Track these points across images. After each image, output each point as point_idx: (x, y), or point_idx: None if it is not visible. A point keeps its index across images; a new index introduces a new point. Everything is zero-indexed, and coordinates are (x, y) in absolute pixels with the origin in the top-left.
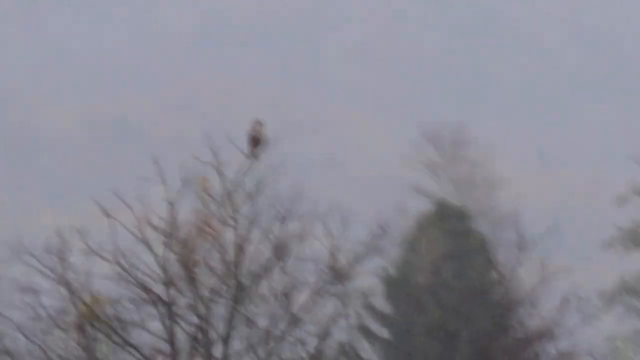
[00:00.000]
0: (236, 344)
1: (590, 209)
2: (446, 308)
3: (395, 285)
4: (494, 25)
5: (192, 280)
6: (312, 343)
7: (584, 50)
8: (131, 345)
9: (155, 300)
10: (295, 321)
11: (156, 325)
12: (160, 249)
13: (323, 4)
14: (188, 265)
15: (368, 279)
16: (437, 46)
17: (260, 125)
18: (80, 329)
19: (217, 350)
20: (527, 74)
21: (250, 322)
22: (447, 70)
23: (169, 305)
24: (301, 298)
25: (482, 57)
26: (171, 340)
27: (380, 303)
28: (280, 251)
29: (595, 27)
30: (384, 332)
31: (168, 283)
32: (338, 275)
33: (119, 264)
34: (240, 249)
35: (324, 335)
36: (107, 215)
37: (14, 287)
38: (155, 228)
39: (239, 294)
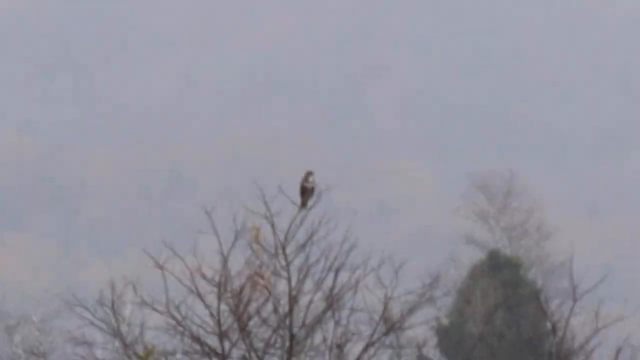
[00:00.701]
0: None
1: None
2: (499, 358)
3: (448, 336)
4: (538, 73)
5: (245, 332)
6: None
7: (627, 96)
8: None
9: (209, 353)
10: None
11: None
12: (213, 301)
13: (369, 55)
14: (241, 317)
15: (421, 329)
16: (483, 94)
17: (312, 175)
18: None
19: None
20: (573, 121)
21: None
22: (494, 118)
23: (222, 357)
24: (355, 350)
25: (528, 105)
26: None
27: (434, 354)
28: (333, 302)
29: (634, 74)
30: None
31: (221, 335)
32: (391, 326)
33: (171, 315)
34: (293, 300)
35: None
36: (159, 266)
37: (67, 340)
38: (207, 279)
39: (293, 346)
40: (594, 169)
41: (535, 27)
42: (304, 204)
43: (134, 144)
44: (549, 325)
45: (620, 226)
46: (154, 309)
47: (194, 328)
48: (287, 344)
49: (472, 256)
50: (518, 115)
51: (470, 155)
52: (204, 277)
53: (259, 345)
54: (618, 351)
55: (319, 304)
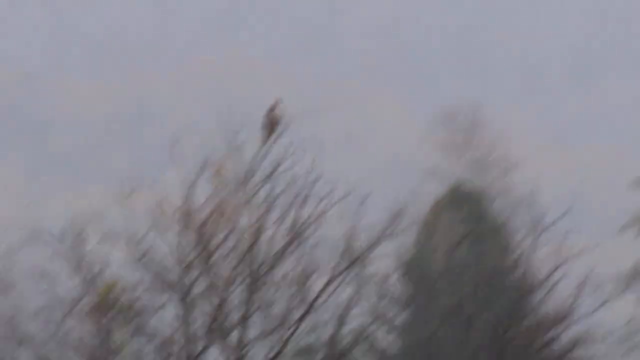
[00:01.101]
0: (252, 331)
1: (608, 189)
2: (462, 292)
3: (411, 270)
4: (517, 5)
5: (208, 266)
6: (327, 329)
7: (604, 20)
8: (147, 332)
9: (171, 287)
10: (311, 307)
11: (172, 312)
12: (176, 235)
13: None
14: (204, 251)
15: (384, 263)
16: (452, 23)
17: (277, 105)
18: (96, 315)
19: (233, 337)
20: (543, 48)
21: (266, 308)
22: (462, 48)
23: (184, 291)
24: (317, 283)
25: (497, 33)
26: (187, 326)
27: (397, 287)
28: (296, 235)
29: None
30: (400, 317)
31: (184, 269)
32: (354, 259)
33: (135, 249)
34: (256, 233)
35: (339, 321)
36: (123, 200)
37: (31, 274)
38: (171, 213)
39: (255, 280)
40: (563, 97)
41: None
42: (269, 135)
43: (104, 72)
44: (512, 258)
45: (589, 156)
46: (117, 243)
47: (157, 262)
48: (250, 278)
49: (436, 190)
50: (490, 42)
51: (440, 83)
52: (167, 210)
53: (221, 279)
54: (581, 284)
55: (282, 239)
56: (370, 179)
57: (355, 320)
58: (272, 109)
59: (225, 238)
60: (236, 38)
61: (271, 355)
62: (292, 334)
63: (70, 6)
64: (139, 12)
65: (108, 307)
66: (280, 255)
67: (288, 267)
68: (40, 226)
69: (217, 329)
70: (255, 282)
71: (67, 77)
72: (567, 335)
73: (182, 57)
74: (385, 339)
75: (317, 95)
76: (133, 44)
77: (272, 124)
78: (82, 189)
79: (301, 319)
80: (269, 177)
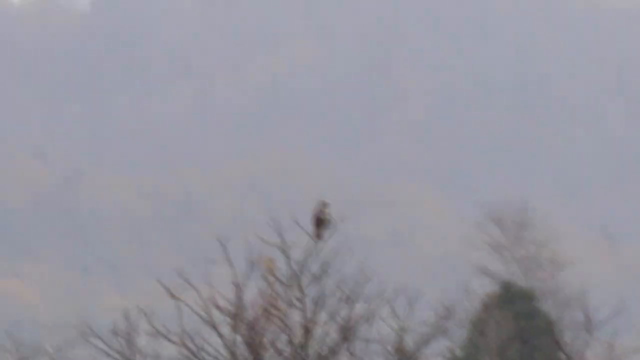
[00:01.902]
0: None
1: None
2: None
3: None
4: (548, 99)
5: None
6: None
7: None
8: None
9: None
10: None
11: None
12: (226, 331)
13: (384, 79)
14: (255, 347)
15: None
16: (497, 121)
17: (325, 206)
18: None
19: None
20: (586, 149)
21: None
22: (508, 147)
23: None
24: None
25: (543, 133)
26: None
27: None
28: (346, 333)
29: None
30: None
31: None
32: (404, 357)
33: (186, 346)
34: (306, 330)
35: None
36: (173, 296)
37: None
38: (221, 309)
39: None
40: (609, 195)
41: (553, 52)
42: (319, 236)
43: (148, 169)
44: (563, 357)
45: (636, 255)
46: (168, 340)
47: (209, 358)
48: None
49: (486, 288)
50: (532, 140)
51: (484, 181)
52: (218, 307)
53: None
54: None
55: (333, 335)
56: (419, 276)
57: None
58: (319, 209)
59: (277, 335)
60: (276, 138)
61: None
62: None
63: (113, 104)
64: (181, 111)
65: None
66: (332, 352)
67: None
68: (91, 323)
69: None
70: None
71: (112, 175)
72: None
73: (223, 155)
74: None
75: (360, 193)
76: (176, 142)
77: (319, 224)
78: (132, 285)
79: None
80: (318, 275)
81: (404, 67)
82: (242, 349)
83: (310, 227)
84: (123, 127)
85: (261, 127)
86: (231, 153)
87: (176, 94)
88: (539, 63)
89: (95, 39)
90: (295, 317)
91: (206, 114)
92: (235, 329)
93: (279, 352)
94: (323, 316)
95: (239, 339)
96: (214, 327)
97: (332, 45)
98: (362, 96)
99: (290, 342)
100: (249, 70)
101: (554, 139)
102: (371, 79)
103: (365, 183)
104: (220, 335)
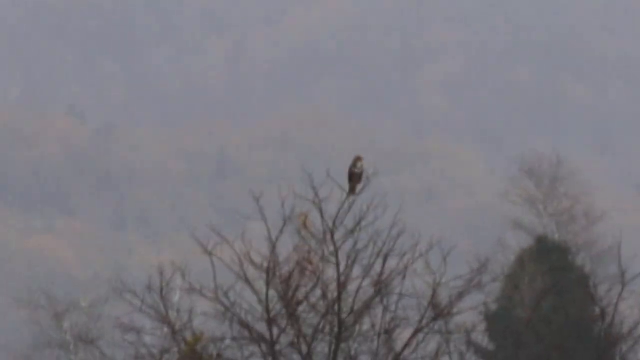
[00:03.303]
0: None
1: None
2: (548, 344)
3: (497, 321)
4: (587, 56)
5: (294, 318)
6: None
7: None
8: None
9: (258, 339)
10: (397, 358)
11: None
12: (261, 287)
13: (417, 35)
14: (290, 303)
15: (470, 315)
16: (533, 75)
17: (359, 160)
18: None
19: None
20: (621, 103)
21: None
22: (544, 99)
23: (271, 343)
24: (403, 335)
25: (579, 85)
26: None
27: (482, 339)
28: (380, 287)
29: None
30: None
31: (270, 321)
32: (440, 311)
33: (220, 301)
34: (341, 286)
35: None
36: (207, 252)
37: (116, 326)
38: (255, 265)
39: (341, 332)
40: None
41: (587, 5)
42: (352, 190)
43: (182, 125)
44: (597, 310)
45: None
46: (203, 295)
47: (243, 314)
48: (336, 329)
49: (520, 241)
50: (568, 96)
51: (519, 136)
52: (252, 263)
53: (308, 331)
54: None
55: (367, 290)
56: (453, 231)
57: None
58: (354, 164)
59: (311, 290)
60: (311, 93)
61: None
62: None
63: (149, 59)
64: (215, 68)
65: None
66: (366, 307)
67: (374, 319)
68: (125, 278)
69: None
70: (341, 335)
71: (145, 130)
72: None
73: (257, 112)
74: None
75: (396, 149)
76: (209, 98)
77: (353, 178)
78: (165, 241)
79: None
80: (352, 230)
81: (439, 21)
82: (276, 304)
83: (344, 182)
84: (157, 83)
85: (296, 83)
86: (266, 108)
87: (210, 49)
88: (575, 18)
89: None
90: (329, 272)
91: (240, 69)
92: (269, 284)
93: (313, 307)
94: (357, 271)
95: (273, 294)
96: (248, 282)
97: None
98: (397, 51)
99: (324, 296)
100: (283, 25)
101: (589, 94)
102: (406, 34)
103: (400, 138)
104: (255, 291)
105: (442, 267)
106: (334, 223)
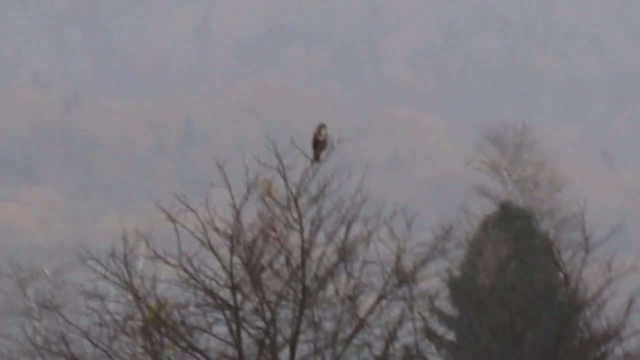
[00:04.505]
0: (302, 348)
1: None
2: (511, 310)
3: (460, 288)
4: (553, 26)
5: (257, 284)
6: (378, 346)
7: None
8: (197, 350)
9: (221, 305)
10: (361, 325)
11: (222, 330)
12: (225, 254)
13: (383, 5)
14: (254, 270)
15: (433, 281)
16: (498, 45)
17: (324, 127)
18: (147, 334)
19: (284, 354)
20: (588, 74)
21: (316, 326)
22: (509, 69)
23: (235, 309)
24: (367, 301)
25: (542, 57)
26: (237, 344)
27: (446, 306)
28: (345, 254)
29: None
30: (449, 335)
31: (234, 287)
32: (403, 278)
33: (184, 268)
34: (305, 252)
35: (390, 338)
36: (172, 219)
37: (80, 293)
38: (219, 232)
39: (305, 298)
40: (609, 119)
41: None
42: (316, 157)
43: (147, 95)
44: (561, 276)
45: (635, 175)
46: (167, 262)
47: (207, 281)
48: (300, 296)
49: (484, 208)
50: (533, 65)
51: (483, 106)
52: (216, 230)
53: (272, 297)
54: (630, 301)
55: (331, 256)
56: (418, 198)
57: (405, 338)
58: (318, 132)
59: (275, 257)
60: (276, 64)
61: None
62: (342, 351)
63: (113, 29)
64: (181, 39)
65: (158, 326)
66: (330, 273)
67: (338, 285)
68: (89, 246)
69: (267, 348)
70: (305, 301)
71: (111, 100)
72: (617, 353)
73: (223, 82)
74: (435, 356)
75: (361, 118)
76: (175, 69)
77: (317, 145)
78: (130, 209)
79: (351, 337)
80: (316, 197)
81: None
82: (240, 271)
83: (308, 149)
84: (123, 53)
85: (261, 53)
86: (231, 79)
87: (176, 19)
88: None
89: None
90: (293, 239)
91: (205, 39)
92: (233, 251)
93: (277, 273)
94: (321, 237)
95: (236, 260)
96: (212, 249)
97: None
98: (362, 22)
99: (288, 263)
100: None
101: (556, 63)
102: (374, 5)
103: (366, 108)
104: (219, 258)
105: (406, 234)
106: (297, 190)
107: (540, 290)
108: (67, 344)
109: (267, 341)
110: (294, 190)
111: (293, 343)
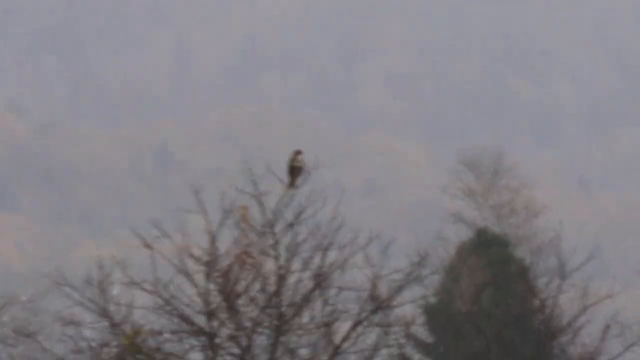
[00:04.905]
0: None
1: (631, 233)
2: (487, 336)
3: (436, 314)
4: (529, 53)
5: (233, 311)
6: None
7: (616, 74)
8: None
9: (197, 332)
10: (337, 351)
11: (198, 357)
12: (201, 280)
13: (359, 31)
14: (229, 296)
15: (409, 308)
16: (474, 71)
17: (300, 154)
18: None
19: None
20: (564, 100)
21: (292, 353)
22: (485, 95)
23: (210, 336)
24: (343, 328)
25: (518, 84)
26: None
27: (422, 332)
28: (320, 280)
29: (627, 51)
30: None
31: (209, 314)
32: (379, 304)
33: (160, 295)
34: (281, 279)
35: None
36: (148, 246)
37: (56, 320)
38: (196, 259)
39: (281, 325)
40: (585, 145)
41: (529, 1)
42: (292, 183)
43: (123, 121)
44: (537, 302)
45: (611, 203)
46: (142, 289)
47: (182, 307)
48: (275, 322)
49: (460, 234)
50: (509, 91)
51: (460, 132)
52: (192, 256)
53: (247, 324)
54: (606, 328)
55: (307, 283)
56: (394, 225)
57: None
58: (293, 158)
59: (251, 283)
60: (252, 90)
61: None
62: None
63: (89, 56)
64: (158, 65)
65: (134, 353)
66: (305, 300)
67: (313, 312)
68: (65, 272)
69: None
70: (280, 327)
71: (88, 127)
72: None
73: (201, 108)
74: None
75: (337, 144)
76: (152, 95)
77: (293, 172)
78: (106, 235)
79: None
80: (292, 223)
81: (384, 19)
82: (215, 297)
83: (284, 176)
84: (99, 79)
85: (238, 79)
86: (207, 104)
87: (153, 46)
88: (516, 14)
89: None
90: (269, 265)
91: (183, 65)
92: (209, 277)
93: (253, 300)
94: (297, 264)
95: (212, 287)
96: (188, 275)
97: None
98: (340, 48)
99: (263, 289)
100: (226, 22)
101: (530, 88)
102: (350, 31)
103: (343, 134)
104: (194, 284)
105: (382, 260)
106: (274, 216)
107: (516, 316)
108: None
109: None
110: (270, 216)
111: None
